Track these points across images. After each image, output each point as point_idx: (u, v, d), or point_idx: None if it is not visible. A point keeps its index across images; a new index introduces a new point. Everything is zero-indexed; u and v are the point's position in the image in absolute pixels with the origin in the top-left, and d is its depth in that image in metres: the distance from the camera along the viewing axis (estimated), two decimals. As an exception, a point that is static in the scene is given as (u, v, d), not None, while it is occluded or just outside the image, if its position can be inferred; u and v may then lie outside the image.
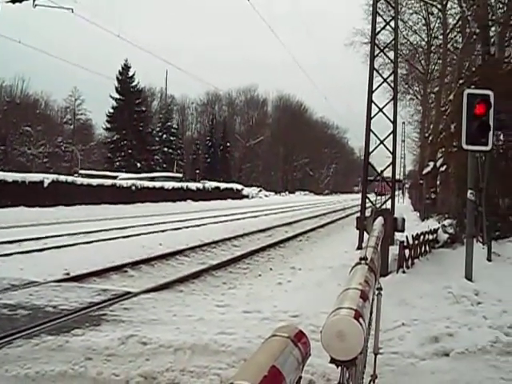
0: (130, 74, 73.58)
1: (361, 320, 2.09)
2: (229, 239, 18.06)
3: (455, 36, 28.03)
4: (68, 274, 10.62)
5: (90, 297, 8.73)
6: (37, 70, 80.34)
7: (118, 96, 72.81)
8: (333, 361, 2.12)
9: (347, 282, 3.01)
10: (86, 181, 35.22)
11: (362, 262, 3.54)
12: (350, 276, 3.22)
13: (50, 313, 7.62)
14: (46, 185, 29.88)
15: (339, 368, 2.22)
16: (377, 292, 4.00)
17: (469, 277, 9.15)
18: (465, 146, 9.23)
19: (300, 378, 1.94)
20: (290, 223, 26.41)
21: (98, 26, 27.65)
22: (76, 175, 44.87)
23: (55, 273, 10.61)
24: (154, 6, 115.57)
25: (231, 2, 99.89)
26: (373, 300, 3.45)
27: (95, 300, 8.50)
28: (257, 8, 21.09)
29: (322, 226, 26.49)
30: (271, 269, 13.00)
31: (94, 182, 35.88)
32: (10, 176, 28.62)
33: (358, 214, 15.35)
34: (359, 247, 13.67)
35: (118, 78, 72.41)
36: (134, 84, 73.92)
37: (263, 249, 16.33)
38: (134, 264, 12.21)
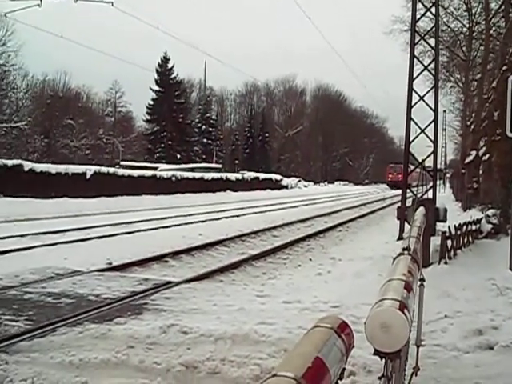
0: (170, 66, 74.02)
1: (405, 311, 2.05)
2: (268, 229, 18.07)
3: (498, 21, 27.32)
4: (110, 263, 10.78)
5: (132, 286, 8.84)
6: (78, 63, 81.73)
7: (157, 88, 73.38)
8: (376, 352, 2.10)
9: (390, 272, 2.97)
10: (127, 172, 35.60)
11: (405, 252, 3.49)
12: (393, 266, 3.18)
13: (93, 301, 7.75)
14: (88, 176, 30.35)
15: (383, 360, 2.20)
16: (419, 283, 3.93)
17: (513, 268, 8.95)
18: (509, 134, 9.01)
19: (343, 369, 1.92)
20: (329, 213, 26.27)
21: (138, 18, 27.89)
22: (117, 167, 45.42)
23: (98, 262, 10.78)
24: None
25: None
26: (415, 291, 3.40)
27: (137, 289, 8.61)
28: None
29: (361, 217, 26.29)
30: (311, 259, 12.96)
31: (135, 173, 36.25)
32: (54, 168, 29.13)
33: (399, 204, 15.17)
34: (400, 238, 13.52)
35: (157, 71, 72.94)
36: (173, 76, 74.36)
37: (303, 239, 16.28)
38: (175, 254, 12.32)
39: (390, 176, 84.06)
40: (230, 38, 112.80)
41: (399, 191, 17.40)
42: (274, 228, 18.64)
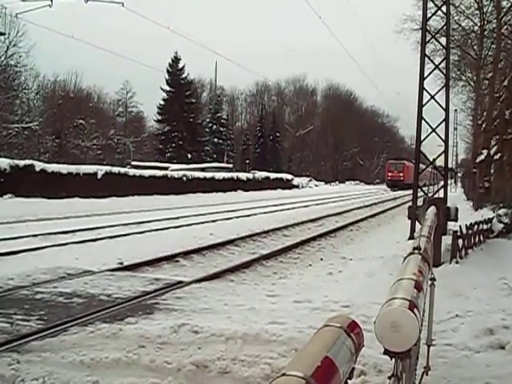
0: (180, 66, 74.10)
1: (415, 311, 2.05)
2: (279, 229, 18.07)
3: (510, 19, 27.18)
4: (121, 263, 10.82)
5: (143, 286, 8.86)
6: (89, 64, 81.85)
7: (168, 88, 73.47)
8: (386, 352, 2.10)
9: (400, 271, 2.97)
10: (138, 172, 35.72)
11: (416, 251, 3.48)
12: (404, 266, 3.17)
13: (104, 301, 7.78)
14: (99, 176, 30.49)
15: (393, 359, 2.19)
16: (430, 282, 3.92)
17: (525, 267, 8.91)
18: (521, 133, 8.97)
19: (353, 369, 1.92)
20: (340, 213, 26.24)
21: (148, 19, 27.98)
22: (128, 167, 45.58)
23: (109, 262, 10.82)
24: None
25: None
26: (426, 290, 3.39)
27: (148, 289, 8.63)
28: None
29: (372, 216, 26.23)
30: (322, 259, 12.95)
31: (146, 173, 36.36)
32: (65, 168, 29.29)
33: (410, 204, 15.12)
34: (411, 237, 13.47)
35: (168, 71, 73.04)
36: (183, 76, 74.43)
37: (314, 238, 16.27)
38: (186, 254, 12.35)
39: (390, 174, 77.81)
40: (241, 38, 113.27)
41: (402, 192, 17.04)
42: (285, 227, 18.64)
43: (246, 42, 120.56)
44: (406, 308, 2.06)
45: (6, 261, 10.67)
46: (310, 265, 12.12)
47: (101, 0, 16.69)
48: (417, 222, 12.91)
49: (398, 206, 35.04)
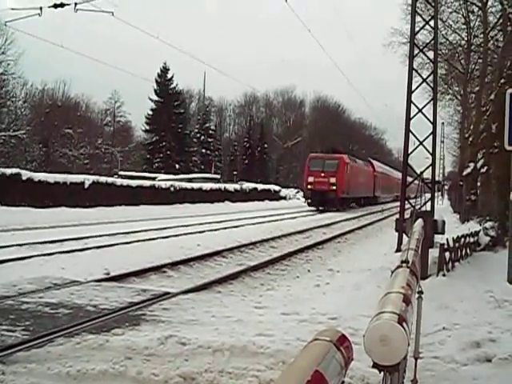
0: (169, 76, 74.19)
1: (404, 325, 2.06)
2: (266, 240, 18.06)
3: (496, 34, 27.47)
4: (108, 273, 10.76)
5: (130, 297, 8.82)
6: (78, 72, 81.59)
7: (156, 98, 73.49)
8: (375, 365, 2.10)
9: (389, 285, 2.98)
10: (125, 182, 35.56)
11: (404, 265, 3.50)
12: (392, 279, 3.19)
13: (90, 312, 7.73)
14: (86, 186, 30.33)
15: (381, 373, 2.20)
16: (417, 295, 3.94)
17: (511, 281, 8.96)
18: (507, 147, 9.06)
19: (343, 382, 1.93)
20: (327, 225, 26.27)
21: (138, 28, 27.97)
22: (116, 176, 45.42)
23: (96, 272, 10.76)
24: (190, 9, 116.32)
25: (268, 4, 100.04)
26: (414, 303, 3.41)
27: (135, 300, 8.59)
28: (294, 9, 21.01)
29: (360, 228, 26.30)
30: (309, 271, 12.96)
31: (134, 183, 36.23)
32: (52, 177, 29.11)
33: (397, 216, 15.19)
34: (398, 250, 13.53)
35: (156, 81, 73.08)
36: (172, 86, 74.50)
37: (301, 250, 16.28)
38: (173, 264, 12.30)
39: (311, 181, 41.86)
40: (229, 49, 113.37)
41: (397, 203, 15.68)
42: (273, 239, 18.62)
43: (234, 53, 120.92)
44: (395, 322, 2.07)
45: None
46: (298, 277, 12.12)
47: (90, 9, 16.65)
48: (404, 235, 12.99)
49: (385, 218, 35.15)
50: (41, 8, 15.26)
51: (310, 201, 41.77)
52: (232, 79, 54.25)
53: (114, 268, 11.23)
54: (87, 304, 8.16)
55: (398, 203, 15.27)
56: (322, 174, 40.48)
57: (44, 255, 12.51)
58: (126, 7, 20.40)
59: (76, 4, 16.55)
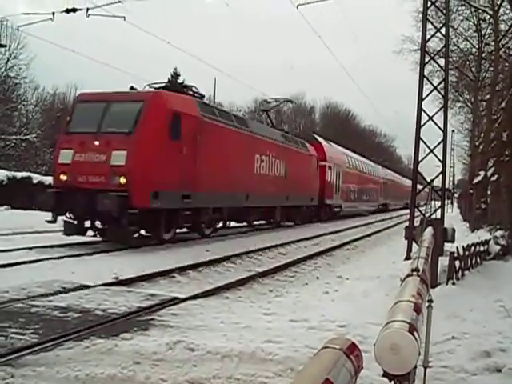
0: (180, 81, 74.39)
1: (415, 334, 2.06)
2: (275, 246, 18.06)
3: (507, 42, 27.38)
4: (117, 278, 10.77)
5: (139, 301, 8.83)
6: (89, 77, 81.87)
7: (167, 103, 73.49)
8: (385, 374, 2.10)
9: (399, 293, 2.98)
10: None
11: (414, 273, 3.49)
12: (402, 288, 3.18)
13: (99, 316, 7.75)
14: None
15: (391, 382, 2.19)
16: (428, 304, 3.93)
17: (522, 290, 8.91)
18: (519, 156, 9.01)
19: (353, 391, 1.92)
20: (336, 232, 26.22)
21: (149, 33, 28.07)
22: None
23: (104, 276, 10.77)
24: (202, 15, 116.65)
25: (279, 10, 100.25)
26: (424, 312, 3.39)
27: (143, 305, 8.60)
28: (305, 15, 21.03)
29: (369, 235, 26.23)
30: (318, 277, 12.92)
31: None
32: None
33: (407, 224, 15.12)
34: (407, 257, 13.47)
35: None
36: (183, 91, 74.63)
37: (310, 257, 16.28)
38: (181, 269, 12.32)
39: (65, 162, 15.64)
40: (240, 54, 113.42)
41: (407, 210, 15.12)
42: (281, 245, 18.61)
43: (245, 58, 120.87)
44: (405, 331, 2.06)
45: (1, 273, 10.62)
46: (307, 283, 12.09)
47: (102, 14, 16.74)
48: (413, 243, 12.94)
49: (394, 225, 35.07)
50: (53, 13, 15.36)
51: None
52: (242, 85, 54.33)
53: (123, 272, 11.24)
54: (96, 308, 8.18)
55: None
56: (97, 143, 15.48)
57: (54, 259, 12.55)
58: (137, 12, 20.48)
59: (88, 9, 16.66)
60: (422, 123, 14.72)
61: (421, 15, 18.66)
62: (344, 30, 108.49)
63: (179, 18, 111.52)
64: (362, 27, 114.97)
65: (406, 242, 13.93)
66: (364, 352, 2.51)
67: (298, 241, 20.33)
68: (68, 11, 16.37)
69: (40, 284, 9.64)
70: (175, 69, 73.81)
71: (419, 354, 2.17)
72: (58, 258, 12.76)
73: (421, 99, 14.78)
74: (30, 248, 14.00)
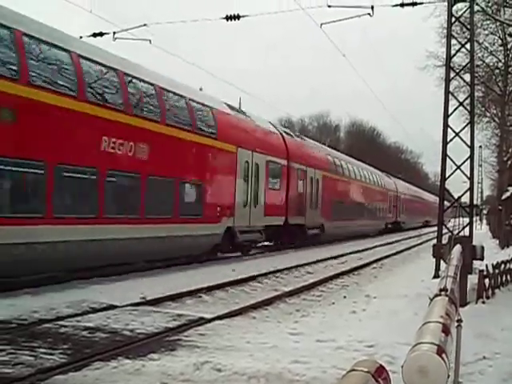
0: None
1: (444, 356, 2.03)
2: (302, 265, 18.00)
3: (534, 56, 27.20)
4: (144, 298, 10.82)
5: (166, 321, 8.86)
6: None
7: (192, 123, 74.02)
8: (414, 397, 2.07)
9: (427, 314, 2.94)
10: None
11: (442, 293, 3.45)
12: (430, 308, 3.15)
13: (126, 336, 7.79)
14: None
15: (420, 404, 2.17)
16: (457, 324, 3.87)
17: (554, 308, 8.74)
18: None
19: (381, 414, 1.89)
20: (362, 250, 26.05)
21: (175, 55, 28.39)
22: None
23: (132, 297, 10.83)
24: (227, 35, 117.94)
25: (301, 30, 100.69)
26: (453, 333, 3.35)
27: (170, 325, 8.63)
28: (328, 34, 21.09)
29: (396, 254, 25.97)
30: (345, 297, 12.81)
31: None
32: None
33: (434, 241, 14.98)
34: (436, 276, 13.32)
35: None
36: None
37: (337, 276, 16.16)
38: (208, 289, 12.33)
39: None
40: (264, 74, 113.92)
41: (435, 228, 14.49)
42: (308, 264, 18.55)
43: (269, 78, 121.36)
44: (434, 353, 2.04)
45: (31, 293, 10.76)
46: (333, 303, 11.99)
47: (129, 38, 17.00)
48: (442, 261, 12.80)
49: (422, 242, 34.71)
50: (80, 37, 15.61)
51: None
52: (267, 104, 54.53)
53: (150, 292, 11.28)
54: (123, 328, 8.23)
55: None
56: None
57: (82, 279, 12.66)
58: (161, 35, 20.75)
59: (115, 33, 16.95)
60: (448, 139, 14.62)
61: (445, 31, 18.59)
62: (366, 48, 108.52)
63: (205, 39, 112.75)
64: (385, 44, 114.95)
65: (434, 260, 13.79)
66: (392, 373, 2.48)
67: (325, 260, 20.18)
68: (95, 35, 16.67)
69: (69, 304, 9.75)
70: (200, 89, 74.71)
71: (448, 376, 2.14)
72: (87, 278, 12.87)
73: (447, 115, 14.70)
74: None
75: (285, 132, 26.76)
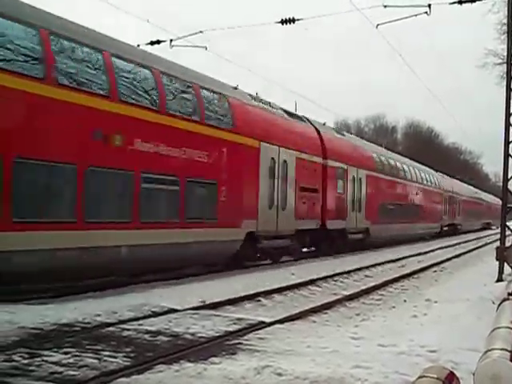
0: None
1: (517, 363, 1.98)
2: (360, 269, 17.85)
3: None
4: (204, 301, 10.92)
5: (226, 325, 8.91)
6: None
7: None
8: (486, 405, 2.02)
9: (496, 319, 2.87)
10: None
11: (511, 297, 3.36)
12: (498, 313, 3.07)
13: (188, 340, 7.87)
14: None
15: (492, 413, 2.11)
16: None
17: None
18: None
19: (452, 422, 1.86)
20: (422, 253, 25.61)
21: (230, 61, 28.69)
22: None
23: (191, 300, 10.95)
24: (281, 39, 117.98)
25: (355, 31, 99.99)
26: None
27: (230, 329, 8.67)
28: (384, 34, 20.88)
29: (457, 256, 25.43)
30: (405, 300, 12.62)
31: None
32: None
33: (497, 244, 14.59)
34: (499, 279, 12.98)
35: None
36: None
37: (396, 279, 15.94)
38: (267, 293, 12.35)
39: None
40: (320, 77, 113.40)
41: (498, 229, 14.11)
42: (367, 268, 18.38)
43: (324, 81, 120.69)
44: (507, 359, 1.98)
45: (93, 297, 11.03)
46: (394, 307, 11.82)
47: (185, 45, 17.23)
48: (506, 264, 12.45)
49: (483, 245, 33.87)
50: (138, 45, 15.90)
51: None
52: (323, 108, 54.19)
53: (210, 296, 11.37)
54: (185, 332, 8.32)
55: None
56: None
57: (143, 282, 12.89)
58: (217, 41, 20.97)
59: (171, 40, 17.21)
60: (510, 139, 14.24)
61: (504, 27, 18.11)
62: (423, 47, 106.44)
63: (257, 43, 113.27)
64: (442, 43, 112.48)
65: (498, 263, 13.43)
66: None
67: (384, 263, 19.95)
68: (152, 43, 16.97)
69: (130, 308, 9.91)
70: (256, 94, 75.06)
71: (521, 383, 2.08)
72: (147, 281, 13.10)
73: (508, 114, 14.32)
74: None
75: (321, 127, 24.27)
